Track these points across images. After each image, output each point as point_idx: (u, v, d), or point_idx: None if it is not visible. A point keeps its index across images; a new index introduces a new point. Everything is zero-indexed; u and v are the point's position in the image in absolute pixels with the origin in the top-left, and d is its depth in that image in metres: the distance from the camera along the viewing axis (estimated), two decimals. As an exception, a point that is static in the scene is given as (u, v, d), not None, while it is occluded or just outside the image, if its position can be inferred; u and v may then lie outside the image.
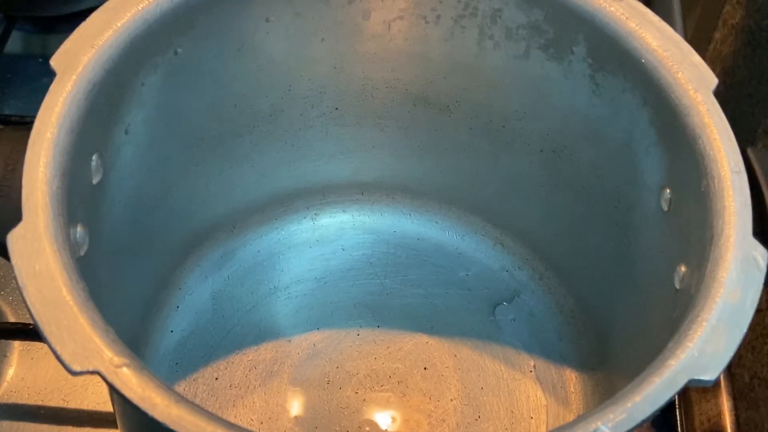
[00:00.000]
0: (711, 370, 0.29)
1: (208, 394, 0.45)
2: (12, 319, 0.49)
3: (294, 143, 0.48)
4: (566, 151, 0.44)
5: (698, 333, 0.30)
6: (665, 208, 0.38)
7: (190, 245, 0.48)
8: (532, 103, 0.44)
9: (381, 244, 0.52)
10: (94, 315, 0.29)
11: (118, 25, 0.35)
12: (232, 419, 0.37)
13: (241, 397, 0.45)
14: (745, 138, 0.54)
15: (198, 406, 0.27)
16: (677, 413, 0.48)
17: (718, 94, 0.35)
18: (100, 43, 0.34)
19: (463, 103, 0.46)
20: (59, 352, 0.28)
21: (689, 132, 0.35)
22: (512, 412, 0.46)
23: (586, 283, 0.47)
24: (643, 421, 0.28)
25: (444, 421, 0.45)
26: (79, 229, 0.33)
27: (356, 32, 0.43)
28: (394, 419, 0.45)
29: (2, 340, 0.48)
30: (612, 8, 0.38)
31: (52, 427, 0.46)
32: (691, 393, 0.53)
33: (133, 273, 0.42)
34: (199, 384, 0.46)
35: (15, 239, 0.29)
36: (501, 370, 0.47)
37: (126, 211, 0.39)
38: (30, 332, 0.46)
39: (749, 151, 0.35)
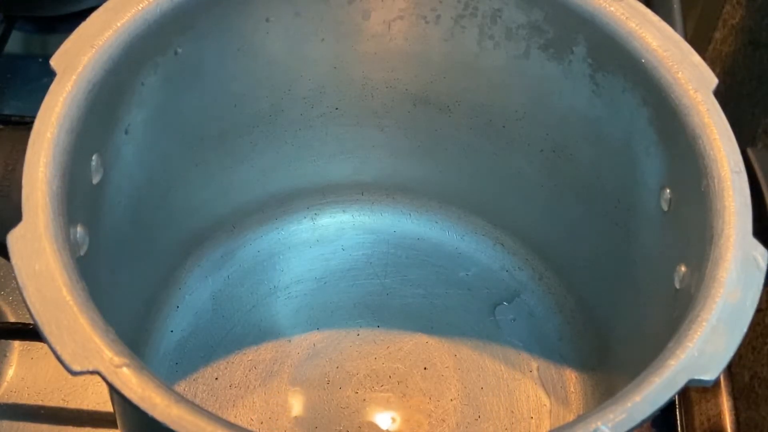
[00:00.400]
0: (711, 370, 0.29)
1: (208, 394, 0.45)
2: (12, 319, 0.49)
3: (294, 143, 0.48)
4: (566, 151, 0.44)
5: (698, 333, 0.30)
6: (665, 208, 0.38)
7: (190, 245, 0.48)
8: (532, 103, 0.44)
9: (381, 244, 0.52)
10: (94, 315, 0.29)
11: (118, 25, 0.35)
12: (232, 419, 0.37)
13: (241, 397, 0.45)
14: (745, 138, 0.54)
15: (198, 406, 0.27)
16: (677, 413, 0.48)
17: (718, 94, 0.35)
18: (100, 43, 0.34)
19: (463, 103, 0.46)
20: (59, 352, 0.28)
21: (689, 132, 0.35)
22: (512, 412, 0.46)
23: (586, 283, 0.47)
24: (643, 421, 0.28)
25: (444, 421, 0.45)
26: (79, 229, 0.33)
27: (356, 32, 0.43)
28: (394, 419, 0.45)
29: (2, 340, 0.48)
30: (612, 8, 0.38)
31: (52, 427, 0.46)
32: (691, 393, 0.53)
33: (133, 273, 0.42)
34: (199, 384, 0.46)
35: (15, 239, 0.29)
36: (501, 370, 0.47)
37: (126, 211, 0.39)
38: (30, 332, 0.46)
39: (749, 151, 0.35)
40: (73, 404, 0.47)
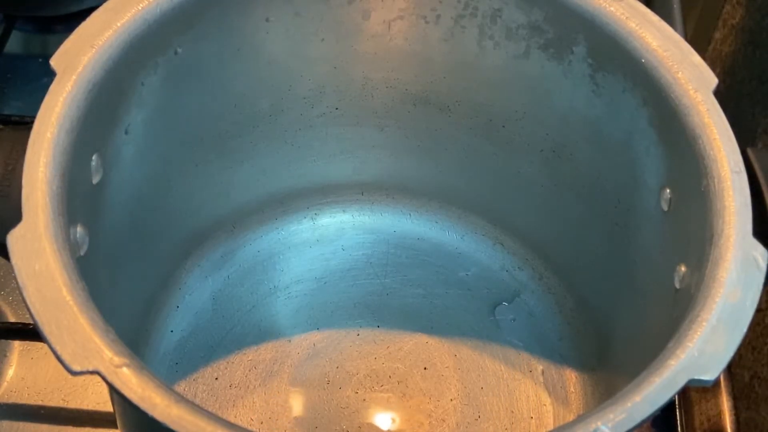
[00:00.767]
0: (711, 370, 0.29)
1: (208, 394, 0.45)
2: (12, 319, 0.49)
3: (294, 143, 0.48)
4: (566, 151, 0.44)
5: (698, 333, 0.30)
6: (665, 208, 0.38)
7: (190, 245, 0.48)
8: (532, 103, 0.44)
9: (381, 244, 0.52)
10: (94, 315, 0.29)
11: (118, 25, 0.35)
12: (232, 419, 0.37)
13: (241, 397, 0.45)
14: (745, 138, 0.54)
15: (198, 406, 0.27)
16: (677, 413, 0.48)
17: (718, 94, 0.35)
18: (100, 43, 0.34)
19: (463, 103, 0.46)
20: (59, 352, 0.28)
21: (689, 132, 0.35)
22: (512, 412, 0.46)
23: (586, 283, 0.47)
24: (643, 421, 0.28)
25: (444, 421, 0.45)
26: (79, 229, 0.33)
27: (356, 32, 0.43)
28: (394, 419, 0.45)
29: (2, 340, 0.48)
30: (612, 8, 0.38)
31: (52, 427, 0.46)
32: (691, 393, 0.53)
33: (133, 273, 0.42)
34: (199, 384, 0.46)
35: (15, 239, 0.29)
36: (501, 370, 0.47)
37: (126, 211, 0.39)
38: (30, 332, 0.46)
39: (749, 151, 0.35)
40: (73, 404, 0.47)
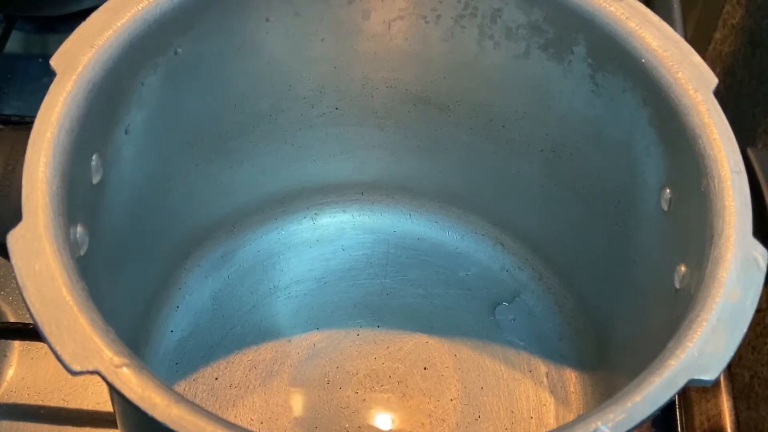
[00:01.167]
0: (711, 370, 0.29)
1: (208, 394, 0.45)
2: (12, 319, 0.49)
3: (294, 143, 0.48)
4: (566, 151, 0.44)
5: (698, 333, 0.30)
6: (665, 208, 0.38)
7: (190, 245, 0.48)
8: (532, 103, 0.44)
9: (381, 244, 0.52)
10: (94, 315, 0.29)
11: (118, 25, 0.35)
12: (232, 419, 0.37)
13: (241, 397, 0.45)
14: (745, 138, 0.55)
15: (198, 406, 0.27)
16: (677, 413, 0.48)
17: (718, 94, 0.35)
18: (100, 43, 0.34)
19: (463, 103, 0.46)
20: (59, 352, 0.28)
21: (689, 132, 0.35)
22: (512, 412, 0.46)
23: (586, 283, 0.47)
24: (643, 421, 0.28)
25: (444, 421, 0.45)
26: (79, 229, 0.33)
27: (356, 32, 0.43)
28: (394, 419, 0.45)
29: (2, 340, 0.48)
30: (612, 8, 0.38)
31: (52, 427, 0.46)
32: (691, 393, 0.53)
33: (133, 273, 0.42)
34: (199, 384, 0.46)
35: (15, 239, 0.29)
36: (501, 370, 0.47)
37: (126, 211, 0.39)
38: (30, 332, 0.46)
39: (749, 151, 0.35)
40: (73, 404, 0.47)
